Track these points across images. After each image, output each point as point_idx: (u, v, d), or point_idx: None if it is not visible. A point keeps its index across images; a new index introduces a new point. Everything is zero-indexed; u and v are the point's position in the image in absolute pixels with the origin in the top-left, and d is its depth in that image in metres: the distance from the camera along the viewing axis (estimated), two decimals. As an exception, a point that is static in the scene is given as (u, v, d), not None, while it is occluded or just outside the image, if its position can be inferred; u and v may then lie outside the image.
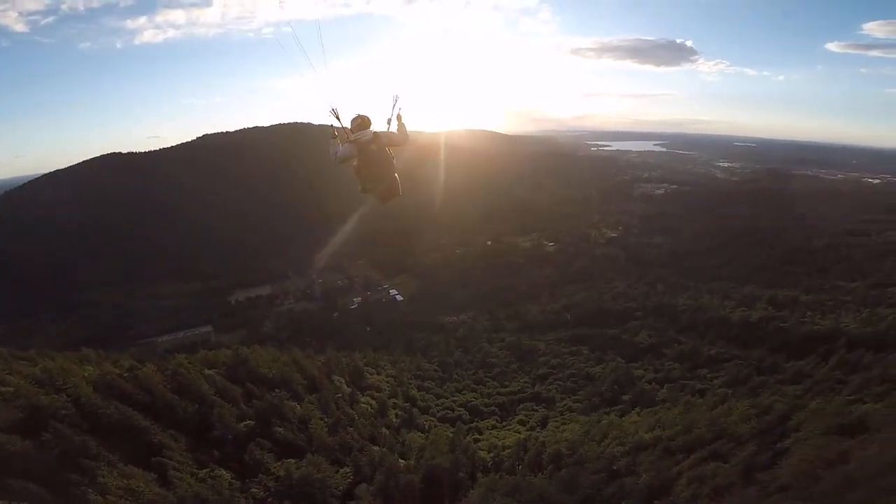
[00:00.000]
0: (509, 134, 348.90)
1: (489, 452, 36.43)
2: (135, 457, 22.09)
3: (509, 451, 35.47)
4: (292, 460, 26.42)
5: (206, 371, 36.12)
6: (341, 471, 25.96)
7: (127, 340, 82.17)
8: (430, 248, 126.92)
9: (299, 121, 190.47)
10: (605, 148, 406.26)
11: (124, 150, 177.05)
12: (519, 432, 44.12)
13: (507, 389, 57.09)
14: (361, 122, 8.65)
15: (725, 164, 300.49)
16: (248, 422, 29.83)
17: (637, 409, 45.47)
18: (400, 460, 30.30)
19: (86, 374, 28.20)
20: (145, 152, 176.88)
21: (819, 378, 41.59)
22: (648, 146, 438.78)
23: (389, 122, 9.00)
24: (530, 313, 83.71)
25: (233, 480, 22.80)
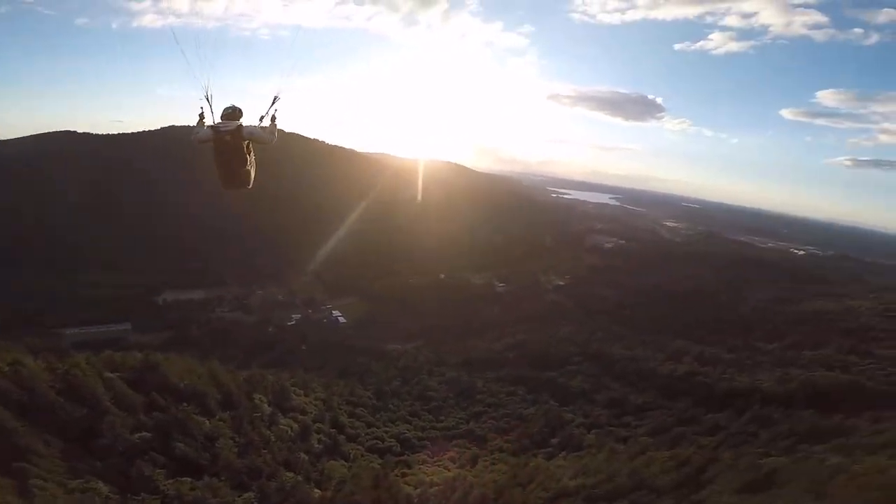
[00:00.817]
0: (477, 170, 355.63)
1: (416, 489, 34.27)
2: (-4, 460, 18.54)
3: (436, 489, 33.58)
4: (187, 479, 23.31)
5: (107, 374, 32.17)
6: (244, 496, 23.04)
7: (30, 328, 73.20)
8: (382, 273, 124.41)
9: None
10: (565, 196, 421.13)
11: (80, 130, 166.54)
12: (448, 469, 42.20)
13: (442, 424, 55.03)
14: (232, 114, 8.80)
15: (671, 224, 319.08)
16: (143, 433, 26.30)
17: (564, 454, 44.91)
18: (315, 490, 27.56)
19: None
20: (102, 134, 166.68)
21: (734, 430, 43.33)
22: (604, 198, 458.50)
23: (262, 119, 9.14)
24: (475, 350, 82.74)
25: (110, 495, 19.48)
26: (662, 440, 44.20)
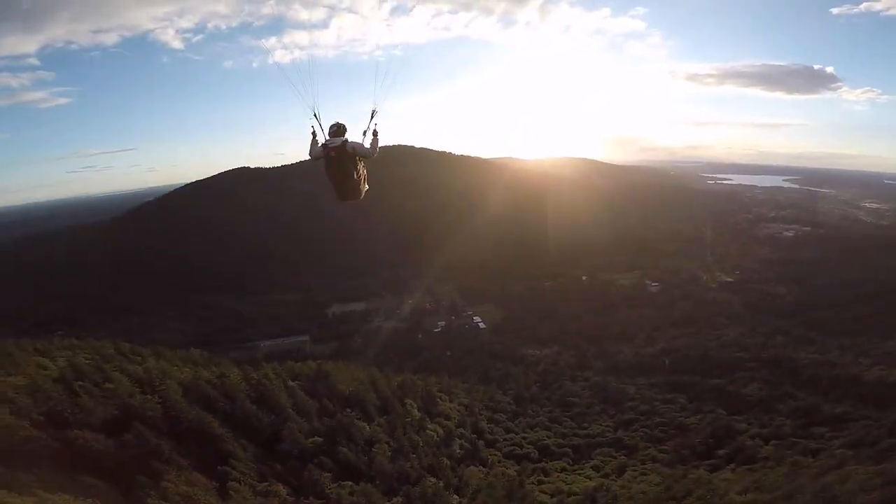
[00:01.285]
0: (612, 163, 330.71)
1: (552, 497, 33.58)
2: (206, 462, 23.98)
3: (575, 498, 32.31)
4: (349, 483, 26.74)
5: (290, 382, 38.68)
6: (392, 500, 25.55)
7: (235, 342, 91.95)
8: (520, 278, 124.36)
9: (403, 143, 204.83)
10: (725, 182, 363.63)
11: (252, 165, 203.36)
12: (590, 478, 40.33)
13: (585, 431, 52.79)
14: (337, 130, 9.63)
15: (873, 205, 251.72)
16: (316, 438, 30.93)
17: (732, 466, 39.18)
18: (455, 496, 29.06)
19: (182, 376, 31.68)
20: (270, 168, 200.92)
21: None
22: (777, 181, 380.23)
23: (364, 133, 9.92)
24: (622, 354, 77.13)
25: (287, 497, 23.51)
26: (866, 454, 35.73)
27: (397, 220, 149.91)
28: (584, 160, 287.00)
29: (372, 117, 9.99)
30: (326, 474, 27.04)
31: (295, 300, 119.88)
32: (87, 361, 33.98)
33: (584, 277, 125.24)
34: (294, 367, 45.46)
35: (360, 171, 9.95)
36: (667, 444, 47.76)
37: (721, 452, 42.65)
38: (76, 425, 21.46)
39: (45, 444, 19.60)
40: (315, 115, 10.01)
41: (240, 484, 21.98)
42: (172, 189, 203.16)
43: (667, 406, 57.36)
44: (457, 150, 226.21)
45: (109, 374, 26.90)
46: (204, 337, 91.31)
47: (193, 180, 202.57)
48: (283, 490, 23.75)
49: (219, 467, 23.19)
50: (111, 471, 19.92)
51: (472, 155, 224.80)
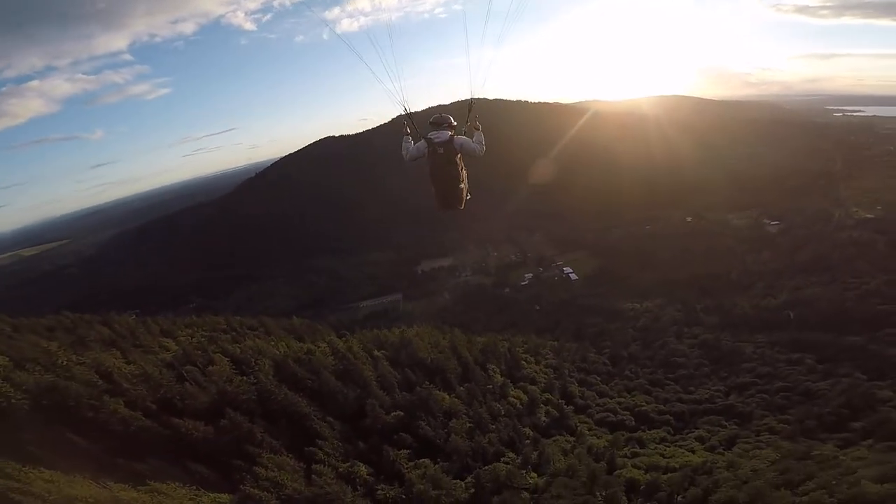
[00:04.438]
0: (715, 99, 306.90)
1: (646, 473, 31.17)
2: (296, 441, 25.85)
3: (671, 476, 29.69)
4: (425, 462, 27.33)
5: (375, 352, 40.32)
6: (462, 483, 25.59)
7: (336, 304, 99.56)
8: (614, 223, 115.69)
9: (474, 97, 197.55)
10: (856, 114, 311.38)
11: (337, 133, 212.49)
12: (693, 451, 37.02)
13: (691, 397, 48.69)
14: (441, 119, 8.39)
15: None
16: (397, 412, 31.90)
17: (869, 443, 33.25)
18: (532, 475, 28.39)
19: (279, 351, 34.30)
20: (354, 134, 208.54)
21: None
22: None
23: (465, 128, 8.75)
24: (737, 308, 68.50)
25: (367, 477, 24.60)
26: None
27: (480, 172, 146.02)
28: (679, 97, 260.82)
29: (470, 109, 8.85)
30: (405, 451, 27.81)
31: (388, 259, 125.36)
32: (203, 339, 38.69)
33: (688, 219, 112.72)
34: (379, 336, 47.31)
35: (464, 174, 8.62)
36: (789, 414, 42.49)
37: (856, 425, 36.76)
38: (184, 412, 24.15)
39: (157, 433, 22.24)
40: (407, 113, 9.08)
41: (324, 466, 23.33)
42: (271, 163, 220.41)
43: (791, 368, 50.83)
44: (533, 97, 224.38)
45: (213, 356, 29.91)
46: (311, 301, 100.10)
47: (287, 153, 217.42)
48: (364, 470, 24.84)
49: (306, 448, 24.78)
50: (212, 455, 22.20)
51: (552, 101, 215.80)
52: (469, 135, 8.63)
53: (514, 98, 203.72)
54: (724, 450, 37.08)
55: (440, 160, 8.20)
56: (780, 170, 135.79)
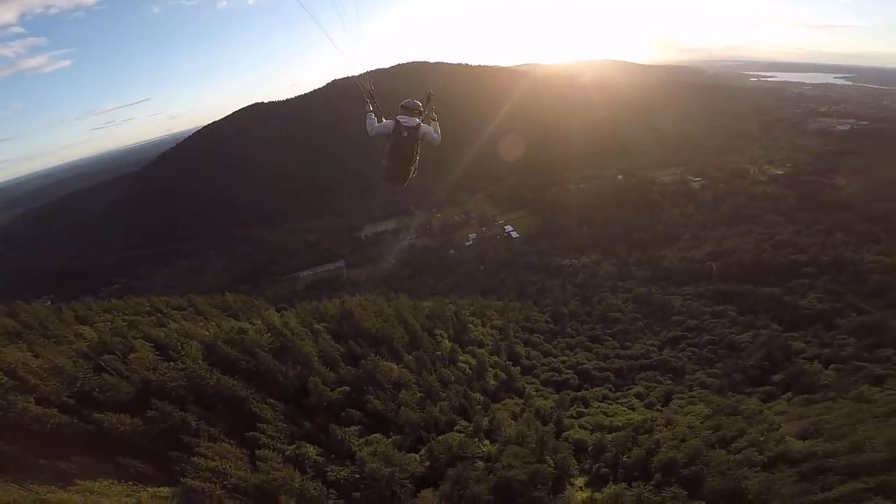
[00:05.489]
0: (648, 64, 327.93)
1: (592, 433, 33.06)
2: (236, 427, 24.15)
3: (616, 436, 31.64)
4: (376, 437, 26.74)
5: (316, 326, 38.38)
6: (416, 456, 25.39)
7: (275, 276, 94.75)
8: (551, 181, 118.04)
9: (415, 60, 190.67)
10: (769, 78, 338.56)
11: (266, 100, 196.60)
12: (634, 408, 39.63)
13: (628, 352, 51.70)
14: (412, 105, 9.18)
15: None
16: (343, 388, 30.74)
17: (788, 396, 37.37)
18: (484, 443, 28.85)
19: (208, 332, 31.60)
20: (285, 100, 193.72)
21: None
22: (828, 79, 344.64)
23: (422, 118, 9.34)
24: (665, 260, 73.19)
25: (317, 458, 23.62)
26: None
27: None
28: (612, 61, 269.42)
29: (429, 100, 9.73)
30: (354, 428, 27.03)
31: (328, 225, 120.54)
32: (123, 324, 34.75)
33: (619, 176, 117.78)
34: (318, 308, 44.96)
35: (418, 158, 9.51)
36: (716, 367, 46.18)
37: (776, 378, 40.68)
38: (106, 405, 21.66)
39: (78, 429, 19.88)
40: (370, 92, 9.79)
41: (268, 450, 22.05)
42: (193, 132, 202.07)
43: (716, 321, 54.86)
44: (474, 61, 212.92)
45: (133, 342, 26.94)
46: (247, 274, 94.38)
47: (211, 122, 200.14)
48: (312, 451, 23.79)
49: (248, 433, 23.25)
50: (145, 449, 20.28)
51: (492, 65, 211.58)
52: (426, 122, 9.45)
53: (455, 62, 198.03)
54: (661, 406, 39.83)
55: (403, 142, 9.03)
56: (701, 129, 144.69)
